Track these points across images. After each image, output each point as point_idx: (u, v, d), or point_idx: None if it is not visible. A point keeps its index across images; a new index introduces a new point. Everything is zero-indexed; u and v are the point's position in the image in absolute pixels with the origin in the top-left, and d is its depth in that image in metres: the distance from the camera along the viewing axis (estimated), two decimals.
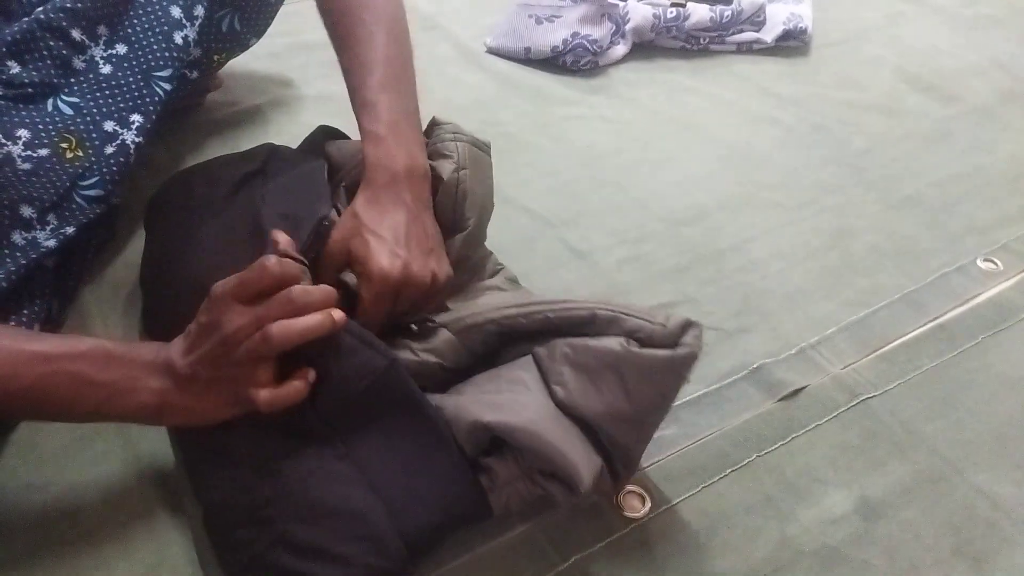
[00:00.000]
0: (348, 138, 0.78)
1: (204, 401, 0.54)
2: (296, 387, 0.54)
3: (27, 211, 0.64)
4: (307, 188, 0.67)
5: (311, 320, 0.53)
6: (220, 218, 0.67)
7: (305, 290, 0.54)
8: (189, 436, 0.61)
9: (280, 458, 0.55)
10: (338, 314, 0.55)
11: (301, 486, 0.54)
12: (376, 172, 0.65)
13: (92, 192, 0.68)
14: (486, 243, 0.76)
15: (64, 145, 0.67)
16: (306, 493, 0.54)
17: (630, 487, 0.65)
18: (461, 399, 0.58)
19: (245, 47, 0.89)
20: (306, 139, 0.78)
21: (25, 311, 0.66)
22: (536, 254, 0.88)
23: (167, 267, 0.69)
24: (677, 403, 0.72)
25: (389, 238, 0.62)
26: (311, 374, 0.55)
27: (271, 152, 0.74)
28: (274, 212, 0.65)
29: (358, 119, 0.68)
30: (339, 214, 0.66)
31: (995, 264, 0.90)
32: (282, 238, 0.59)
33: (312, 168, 0.69)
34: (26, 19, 0.66)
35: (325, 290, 0.55)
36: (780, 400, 0.73)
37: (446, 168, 0.69)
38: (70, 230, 0.66)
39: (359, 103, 0.68)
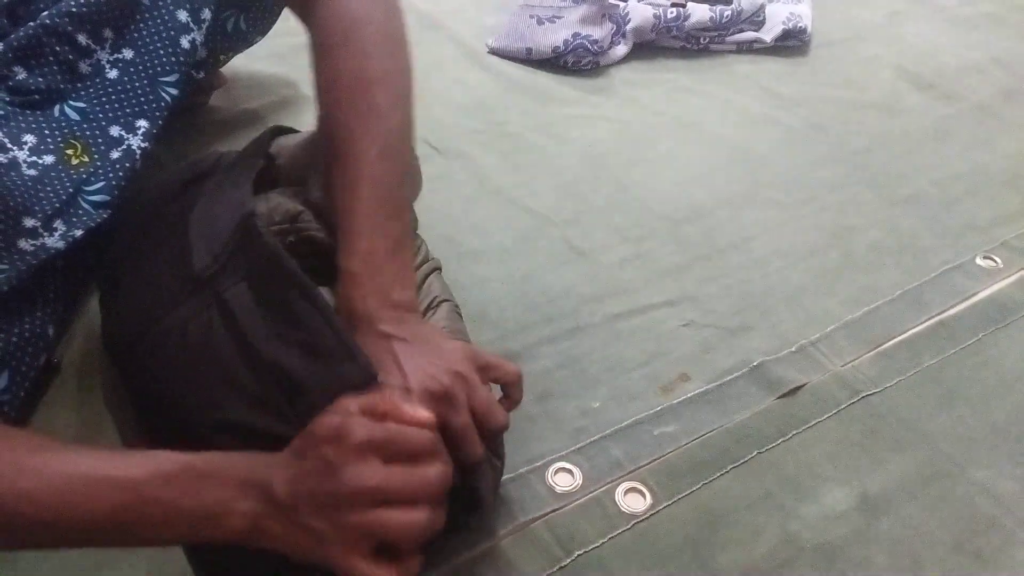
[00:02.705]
0: (298, 132, 0.76)
1: (296, 535, 0.48)
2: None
3: (30, 222, 0.64)
4: (232, 185, 0.65)
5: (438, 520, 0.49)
6: (158, 229, 0.66)
7: (442, 479, 0.49)
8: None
9: None
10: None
11: None
12: (354, 319, 0.58)
13: (98, 198, 0.68)
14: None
15: (70, 151, 0.66)
16: None
17: (632, 483, 0.66)
18: None
19: (250, 44, 0.90)
20: (253, 140, 0.73)
21: (39, 313, 0.66)
22: (538, 253, 0.88)
23: (114, 283, 0.68)
24: (679, 400, 0.73)
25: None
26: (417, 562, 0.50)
27: (218, 158, 0.72)
28: (196, 216, 0.63)
29: (338, 250, 0.61)
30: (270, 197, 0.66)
31: (995, 262, 0.91)
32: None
33: (246, 165, 0.68)
34: (32, 24, 0.65)
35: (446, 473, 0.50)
36: (781, 397, 0.74)
37: None
38: (79, 233, 0.66)
39: (340, 231, 0.61)
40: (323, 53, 0.67)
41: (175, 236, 0.64)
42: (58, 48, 0.66)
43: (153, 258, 0.65)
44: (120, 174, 0.69)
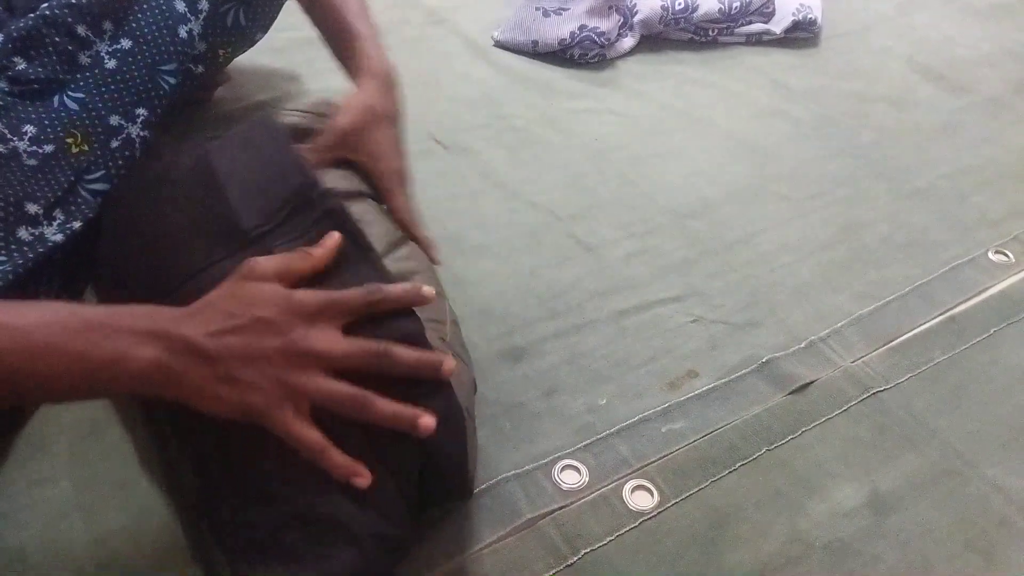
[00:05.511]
0: None
1: (215, 384, 0.48)
2: (358, 470, 0.50)
3: (32, 208, 0.64)
4: (267, 145, 0.65)
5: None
6: (163, 191, 0.64)
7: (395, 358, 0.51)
8: (176, 412, 0.58)
9: None
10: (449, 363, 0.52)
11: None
12: (377, 64, 0.73)
13: (98, 186, 0.68)
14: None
15: (69, 140, 0.67)
16: (310, 464, 0.51)
17: (639, 481, 0.65)
18: None
19: (251, 42, 0.89)
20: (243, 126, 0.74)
21: None
22: (544, 248, 0.87)
23: (127, 241, 0.65)
24: (686, 396, 0.72)
25: (398, 138, 0.71)
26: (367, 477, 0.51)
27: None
28: (226, 172, 0.62)
29: (343, 25, 0.76)
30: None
31: (1006, 256, 0.90)
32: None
33: (262, 120, 0.67)
34: (31, 15, 0.66)
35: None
36: (790, 394, 0.73)
37: None
38: (77, 224, 0.66)
39: (342, 19, 0.76)
40: None
41: (191, 195, 0.62)
42: (58, 39, 0.67)
43: (163, 221, 0.62)
44: (119, 163, 0.69)
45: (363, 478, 0.50)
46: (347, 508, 0.51)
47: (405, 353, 0.51)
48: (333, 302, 0.51)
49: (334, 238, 0.55)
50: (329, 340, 0.50)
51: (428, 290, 0.54)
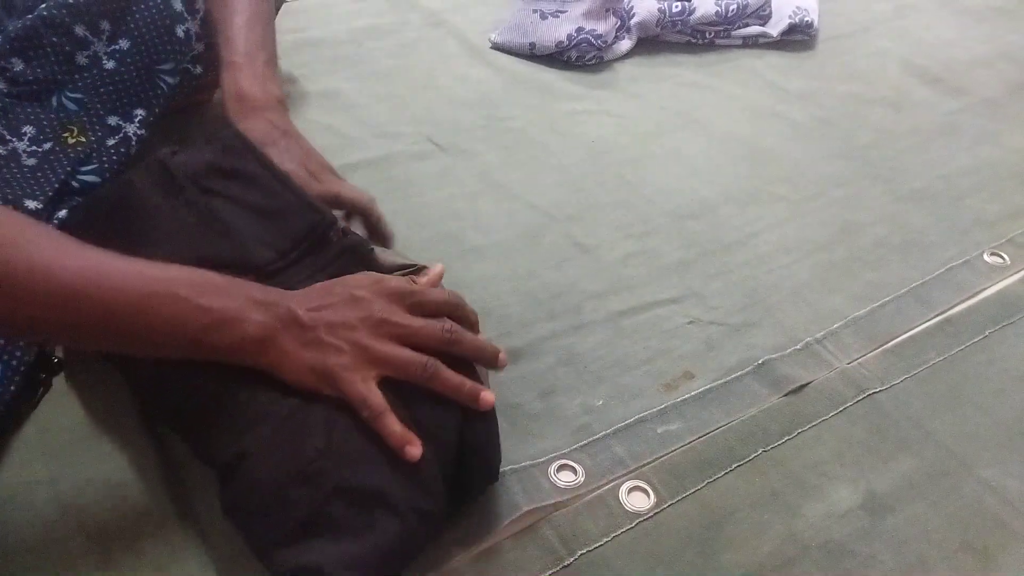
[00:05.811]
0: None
1: (305, 350, 0.53)
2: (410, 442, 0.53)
3: (32, 204, 0.64)
4: (261, 176, 0.65)
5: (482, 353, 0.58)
6: (151, 229, 0.63)
7: (448, 336, 0.57)
8: (217, 398, 0.58)
9: (327, 408, 0.54)
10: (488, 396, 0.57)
11: (353, 432, 0.53)
12: (233, 101, 0.72)
13: (89, 178, 0.68)
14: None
15: (66, 134, 0.67)
16: (358, 439, 0.53)
17: (635, 482, 0.65)
18: None
19: None
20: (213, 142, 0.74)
21: None
22: (541, 249, 0.88)
23: None
24: (683, 398, 0.72)
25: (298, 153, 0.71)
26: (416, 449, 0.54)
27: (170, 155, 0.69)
28: (224, 213, 0.62)
29: (219, 51, 0.75)
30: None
31: (1002, 258, 0.90)
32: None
33: (241, 144, 0.67)
34: (29, 16, 0.66)
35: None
36: (786, 395, 0.73)
37: None
38: (63, 214, 0.67)
39: (222, 38, 0.75)
40: None
41: (187, 238, 0.62)
42: (55, 40, 0.67)
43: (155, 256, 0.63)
44: (114, 158, 0.70)
45: (415, 447, 0.53)
46: (390, 481, 0.53)
47: (470, 338, 0.58)
48: (415, 291, 0.57)
49: (438, 269, 0.63)
50: (406, 316, 0.56)
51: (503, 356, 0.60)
